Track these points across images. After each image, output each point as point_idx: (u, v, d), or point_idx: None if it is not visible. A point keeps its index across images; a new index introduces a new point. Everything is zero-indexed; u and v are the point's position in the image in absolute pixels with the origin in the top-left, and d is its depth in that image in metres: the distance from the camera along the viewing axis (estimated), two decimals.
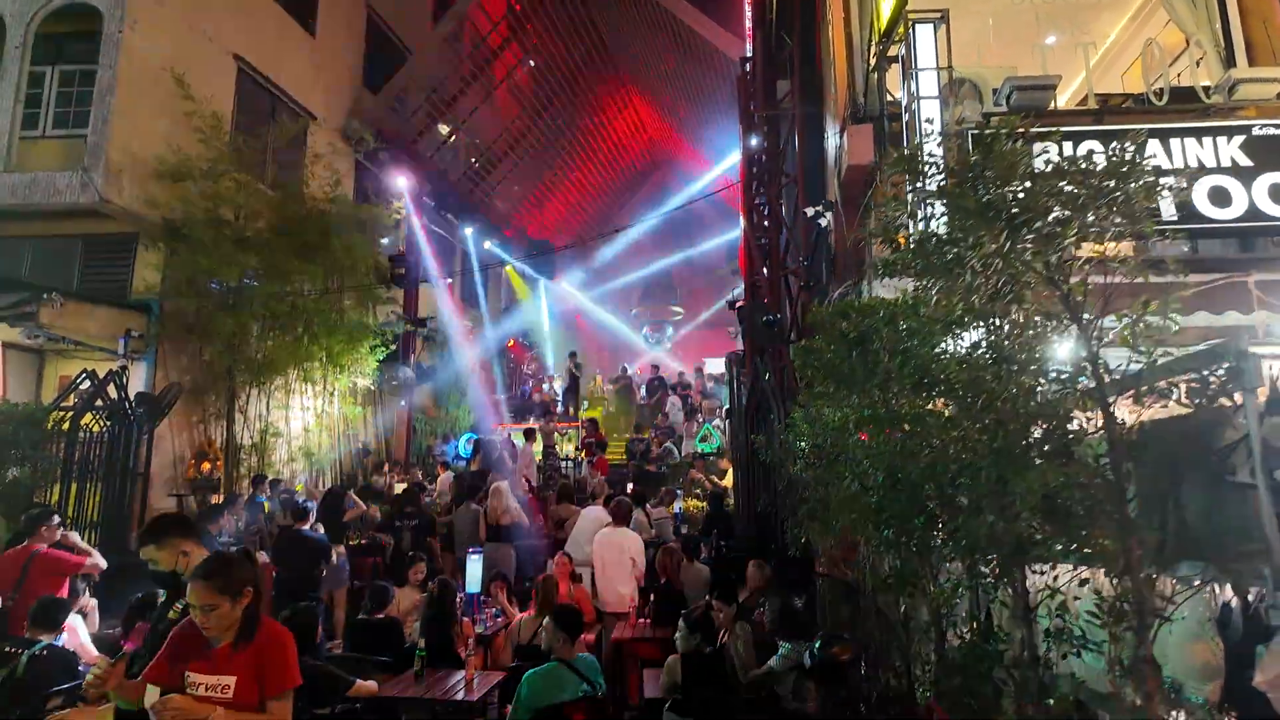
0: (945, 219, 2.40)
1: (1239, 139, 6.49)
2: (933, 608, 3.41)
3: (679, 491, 9.40)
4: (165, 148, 9.52)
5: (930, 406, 3.30)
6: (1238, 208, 6.10)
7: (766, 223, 9.59)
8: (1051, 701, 2.64)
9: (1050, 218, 2.09)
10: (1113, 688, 2.00)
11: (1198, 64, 7.63)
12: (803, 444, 4.52)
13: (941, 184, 2.73)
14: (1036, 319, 2.37)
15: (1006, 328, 2.46)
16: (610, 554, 6.43)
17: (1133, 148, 2.01)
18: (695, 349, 20.21)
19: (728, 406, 14.56)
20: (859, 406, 3.46)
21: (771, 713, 3.86)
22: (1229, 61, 7.48)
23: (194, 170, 9.67)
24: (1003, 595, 2.96)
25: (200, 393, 9.90)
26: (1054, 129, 5.18)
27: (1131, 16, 9.69)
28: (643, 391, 18.44)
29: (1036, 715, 2.68)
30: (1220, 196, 6.19)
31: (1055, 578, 2.71)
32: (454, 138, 16.36)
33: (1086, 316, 2.01)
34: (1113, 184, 1.96)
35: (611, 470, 13.82)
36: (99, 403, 8.36)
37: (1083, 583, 1.89)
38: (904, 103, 7.08)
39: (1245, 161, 6.37)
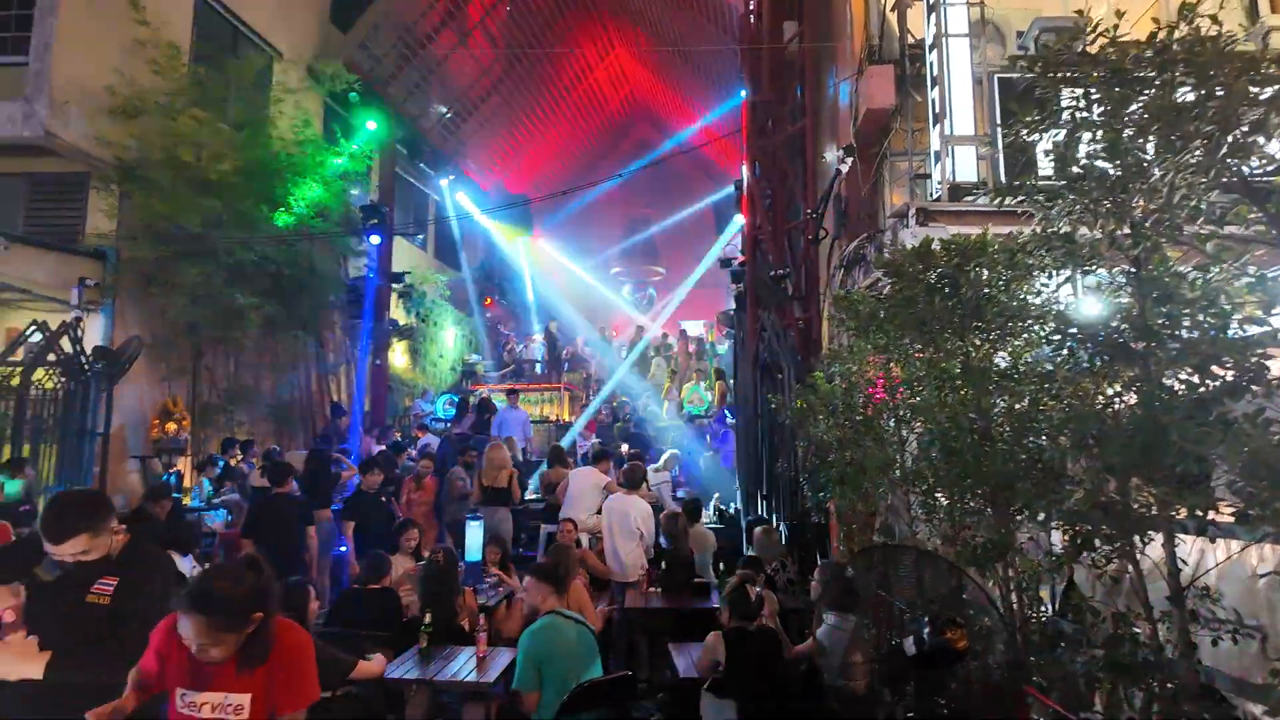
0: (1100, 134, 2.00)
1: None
2: (1016, 582, 3.08)
3: (677, 453, 9.03)
4: (117, 79, 8.66)
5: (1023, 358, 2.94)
6: None
7: (770, 173, 9.12)
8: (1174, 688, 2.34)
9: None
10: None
11: (1220, 7, 7.30)
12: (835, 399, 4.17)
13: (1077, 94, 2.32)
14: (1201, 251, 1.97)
15: (1153, 266, 2.07)
16: (619, 520, 6.04)
17: None
18: (678, 311, 19.67)
19: (718, 368, 14.25)
20: (935, 360, 3.09)
21: (821, 693, 3.55)
22: (1253, 7, 7.14)
23: (149, 105, 8.85)
24: (1113, 570, 2.63)
25: (163, 348, 9.20)
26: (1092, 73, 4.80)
27: None
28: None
29: (1168, 703, 2.38)
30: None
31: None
32: (428, 82, 15.46)
33: None
34: None
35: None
36: (51, 357, 7.68)
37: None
38: (928, 42, 6.63)
39: None
